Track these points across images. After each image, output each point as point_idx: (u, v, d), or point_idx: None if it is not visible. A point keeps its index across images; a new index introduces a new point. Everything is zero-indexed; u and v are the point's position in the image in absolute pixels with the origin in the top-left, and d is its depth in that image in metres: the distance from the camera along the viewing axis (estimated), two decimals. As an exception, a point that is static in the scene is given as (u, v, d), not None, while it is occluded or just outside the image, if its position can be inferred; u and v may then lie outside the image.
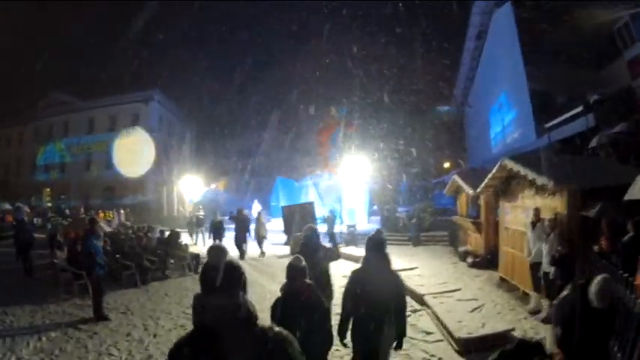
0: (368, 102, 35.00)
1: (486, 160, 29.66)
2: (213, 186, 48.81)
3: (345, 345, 5.43)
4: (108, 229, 19.31)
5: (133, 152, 43.99)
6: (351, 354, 5.51)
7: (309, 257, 5.60)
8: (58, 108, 50.89)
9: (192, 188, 34.40)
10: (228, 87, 51.34)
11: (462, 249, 18.13)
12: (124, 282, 13.49)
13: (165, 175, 41.62)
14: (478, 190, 14.74)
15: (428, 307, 10.22)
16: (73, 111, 49.98)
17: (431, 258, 18.83)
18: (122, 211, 30.97)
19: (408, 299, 10.40)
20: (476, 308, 9.72)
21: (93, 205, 39.81)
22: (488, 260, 15.40)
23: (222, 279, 2.21)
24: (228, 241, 19.47)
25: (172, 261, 15.94)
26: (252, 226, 20.51)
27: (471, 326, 8.30)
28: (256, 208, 35.38)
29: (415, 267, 15.23)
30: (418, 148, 33.45)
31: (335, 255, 7.95)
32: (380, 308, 5.00)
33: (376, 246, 5.37)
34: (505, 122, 29.16)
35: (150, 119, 46.49)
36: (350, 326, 5.24)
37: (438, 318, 9.23)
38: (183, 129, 46.54)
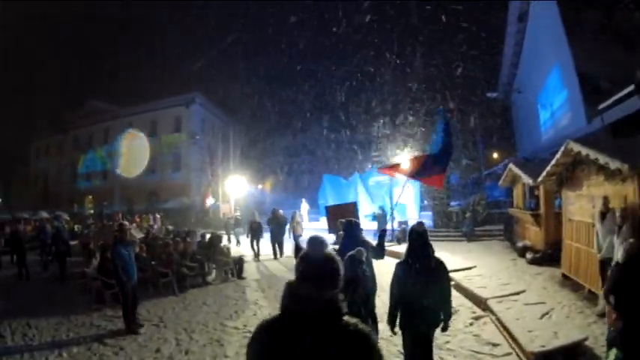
0: (413, 94, 34.84)
1: (537, 148, 28.98)
2: (259, 186, 48.53)
3: (394, 333, 5.67)
4: (139, 236, 18.58)
5: (176, 156, 45.15)
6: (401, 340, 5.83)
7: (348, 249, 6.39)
8: (97, 116, 51.75)
9: (236, 189, 34.12)
10: (272, 85, 51.15)
11: (519, 244, 17.53)
12: (161, 290, 13.07)
13: (209, 176, 41.85)
14: (539, 179, 13.75)
15: (492, 312, 9.52)
16: (112, 118, 50.67)
17: (488, 254, 18.25)
18: (157, 216, 30.62)
19: (470, 304, 10.37)
20: (545, 314, 8.93)
21: (136, 210, 40.03)
22: (549, 255, 14.95)
23: (318, 270, 2.31)
24: (266, 242, 20.04)
25: (214, 266, 15.44)
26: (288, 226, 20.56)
27: (544, 336, 7.52)
28: (304, 207, 35.48)
29: (473, 266, 14.58)
30: (465, 138, 33.12)
31: (379, 252, 7.78)
32: (427, 297, 5.21)
33: (419, 236, 5.55)
34: (554, 108, 28.14)
35: (192, 122, 46.95)
36: (399, 314, 5.52)
37: (504, 326, 8.53)
38: (227, 130, 46.60)
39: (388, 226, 22.75)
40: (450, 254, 16.41)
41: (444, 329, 5.65)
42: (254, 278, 15.27)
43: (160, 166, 46.43)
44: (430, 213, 29.41)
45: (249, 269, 16.72)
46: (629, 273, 5.36)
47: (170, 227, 27.03)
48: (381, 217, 22.34)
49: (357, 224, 8.10)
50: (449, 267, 5.76)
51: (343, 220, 8.68)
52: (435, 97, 33.86)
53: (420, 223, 5.94)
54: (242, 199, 36.91)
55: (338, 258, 2.43)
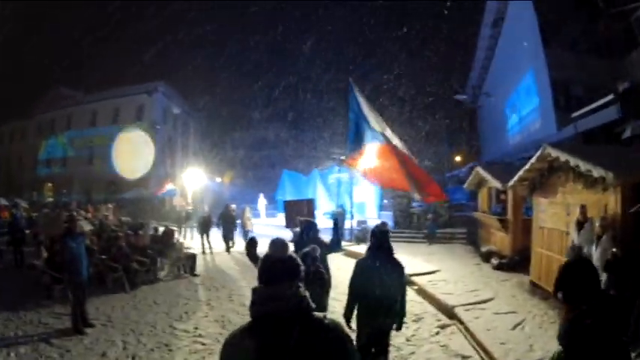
0: (380, 89, 33.91)
1: (503, 153, 28.55)
2: (219, 179, 47.50)
3: (350, 327, 5.47)
4: (89, 228, 17.23)
5: (135, 146, 43.22)
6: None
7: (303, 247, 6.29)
8: (61, 102, 50.42)
9: (194, 182, 32.63)
10: (235, 78, 50.36)
11: (484, 248, 16.79)
12: (111, 286, 12.15)
13: (168, 168, 40.55)
14: (510, 183, 13.12)
15: (460, 321, 8.88)
16: (76, 104, 49.34)
17: (451, 258, 17.40)
18: (110, 206, 29.13)
19: (435, 311, 10.21)
20: (517, 324, 8.40)
21: (95, 200, 38.44)
22: (515, 262, 14.27)
23: (284, 271, 2.34)
24: (216, 236, 20.22)
25: (166, 262, 14.62)
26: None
27: (518, 349, 7.03)
28: (262, 201, 35.13)
29: (437, 270, 13.82)
30: (428, 140, 32.27)
31: (335, 244, 7.78)
32: (385, 295, 5.35)
33: (382, 235, 5.69)
34: (523, 114, 27.72)
35: (154, 111, 45.64)
36: (355, 311, 5.63)
37: (474, 337, 7.93)
38: (188, 121, 45.48)
39: (347, 225, 21.75)
40: (411, 257, 15.88)
41: (399, 328, 5.85)
42: (207, 276, 14.64)
43: (120, 157, 43.70)
44: (390, 213, 28.31)
45: (202, 265, 16.23)
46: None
47: (124, 219, 25.89)
48: (340, 216, 21.19)
49: (315, 224, 8.15)
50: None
51: (303, 219, 8.70)
52: (402, 93, 32.83)
53: (384, 224, 6.09)
54: (199, 192, 35.62)
55: (296, 256, 2.51)
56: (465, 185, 20.29)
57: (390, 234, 5.93)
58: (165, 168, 41.42)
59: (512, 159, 22.86)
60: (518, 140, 28.07)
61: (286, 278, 2.30)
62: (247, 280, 13.03)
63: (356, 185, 25.07)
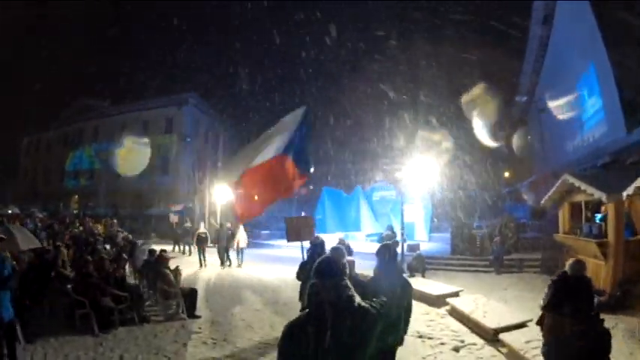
0: (427, 97, 30.66)
1: (563, 163, 24.25)
2: (256, 197, 43.82)
3: None
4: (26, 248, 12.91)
5: (165, 159, 41.78)
6: None
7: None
8: (87, 113, 48.80)
9: (222, 198, 29.82)
10: (272, 89, 47.72)
11: (572, 282, 12.90)
12: (79, 324, 9.03)
13: (197, 183, 37.66)
14: (628, 191, 10.51)
15: None
16: (104, 116, 47.58)
17: (531, 295, 12.88)
18: (115, 221, 28.27)
19: None
20: None
21: (121, 215, 37.19)
22: (617, 299, 10.72)
23: (338, 268, 2.79)
24: (212, 253, 20.59)
25: (157, 297, 11.10)
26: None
27: None
28: None
29: (528, 320, 9.32)
30: (476, 153, 28.93)
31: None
32: (393, 312, 4.94)
33: (392, 255, 5.74)
34: (584, 118, 23.41)
35: (184, 124, 43.28)
36: None
37: None
38: (218, 134, 43.16)
39: (398, 250, 18.30)
40: (481, 293, 12.54)
41: (399, 343, 5.53)
42: (209, 318, 10.77)
43: (148, 169, 42.07)
44: (443, 234, 24.72)
45: (204, 298, 12.86)
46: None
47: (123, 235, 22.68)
48: (389, 239, 17.44)
49: (323, 243, 8.52)
50: (497, 321, 7.04)
51: (318, 240, 8.91)
52: (449, 104, 29.50)
53: (395, 242, 7.10)
54: (229, 209, 32.26)
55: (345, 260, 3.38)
56: (543, 201, 15.92)
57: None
58: (194, 183, 38.69)
59: (574, 170, 18.67)
60: (580, 149, 23.78)
61: (339, 274, 2.72)
62: (260, 334, 9.43)
63: (405, 203, 21.46)
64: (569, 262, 5.33)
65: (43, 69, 57.13)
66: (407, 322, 5.69)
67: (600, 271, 11.71)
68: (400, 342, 5.57)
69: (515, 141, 33.17)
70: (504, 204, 26.06)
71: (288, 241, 18.54)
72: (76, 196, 47.51)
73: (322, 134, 46.57)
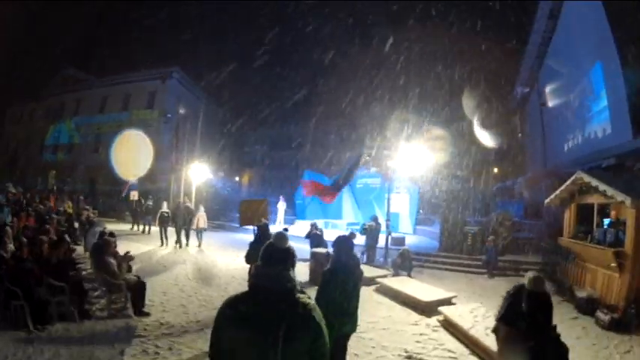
0: (420, 84, 28.93)
1: (560, 163, 22.64)
2: (237, 178, 45.31)
3: None
4: None
5: (141, 136, 39.55)
6: None
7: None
8: (71, 85, 46.61)
9: (198, 178, 28.90)
10: (258, 69, 46.12)
11: (581, 294, 11.11)
12: (13, 318, 7.46)
13: (173, 161, 35.91)
14: None
15: None
16: (87, 88, 45.43)
17: None
18: (82, 197, 28.67)
19: None
20: None
21: (99, 191, 37.96)
22: (631, 317, 9.28)
23: (281, 257, 2.85)
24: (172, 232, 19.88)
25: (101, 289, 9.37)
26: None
27: None
28: (281, 206, 29.68)
29: None
30: (466, 147, 27.21)
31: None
32: (351, 303, 5.50)
33: (349, 247, 5.81)
34: (585, 117, 21.58)
35: (167, 99, 41.27)
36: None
37: None
38: (199, 112, 41.73)
39: (381, 242, 16.88)
40: (481, 304, 10.30)
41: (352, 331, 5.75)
42: (158, 316, 8.93)
43: (127, 145, 39.82)
44: (429, 228, 22.83)
45: (159, 285, 11.56)
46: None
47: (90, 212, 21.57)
48: (372, 231, 16.09)
49: (266, 225, 9.45)
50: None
51: (263, 222, 9.82)
52: (443, 89, 27.77)
53: (352, 234, 7.41)
54: (204, 190, 32.53)
55: (293, 248, 3.06)
56: (548, 201, 14.28)
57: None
58: (171, 160, 36.40)
59: (571, 170, 17.07)
60: (581, 149, 21.86)
61: (281, 263, 2.78)
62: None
63: (391, 192, 19.56)
64: (529, 275, 4.51)
65: (27, 40, 54.99)
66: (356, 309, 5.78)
67: (613, 284, 10.29)
68: (355, 330, 5.82)
69: (507, 135, 31.49)
70: (496, 200, 24.05)
71: (240, 225, 19.67)
72: (54, 171, 45.65)
73: (308, 114, 45.21)
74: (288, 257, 2.87)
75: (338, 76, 40.45)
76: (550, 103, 25.42)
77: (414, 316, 10.02)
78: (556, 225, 15.04)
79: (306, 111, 46.53)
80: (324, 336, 2.66)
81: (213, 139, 42.91)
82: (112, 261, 9.23)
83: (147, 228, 24.20)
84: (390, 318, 9.74)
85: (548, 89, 26.15)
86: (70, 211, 22.08)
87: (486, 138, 27.62)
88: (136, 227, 25.12)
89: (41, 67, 51.08)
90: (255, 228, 9.98)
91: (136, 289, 9.03)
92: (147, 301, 9.39)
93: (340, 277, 5.42)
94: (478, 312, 9.07)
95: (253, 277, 2.78)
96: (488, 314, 8.86)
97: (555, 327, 4.54)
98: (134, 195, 29.25)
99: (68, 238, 11.24)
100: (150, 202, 25.77)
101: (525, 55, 29.31)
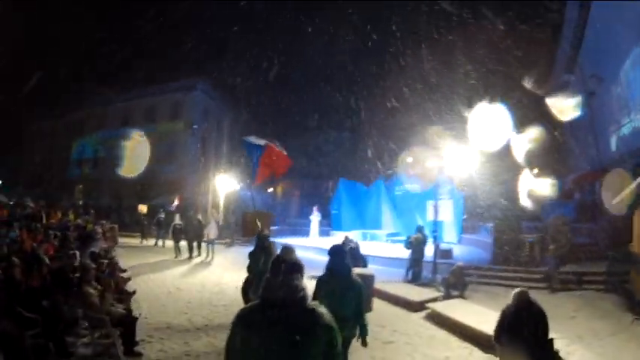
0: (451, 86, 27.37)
1: (604, 160, 21.15)
2: (270, 190, 43.36)
3: None
4: None
5: (170, 147, 39.65)
6: None
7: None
8: (92, 100, 46.22)
9: (224, 188, 28.26)
10: (291, 78, 45.38)
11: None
12: None
13: (201, 172, 35.49)
14: None
15: None
16: (109, 103, 45.12)
17: (610, 329, 9.65)
18: (92, 211, 28.23)
19: None
20: None
21: (124, 206, 36.90)
22: None
23: (289, 268, 3.05)
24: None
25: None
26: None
27: None
28: (315, 218, 28.00)
29: None
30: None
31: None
32: (342, 309, 5.14)
33: (342, 255, 5.82)
34: (631, 107, 19.00)
35: (192, 110, 40.84)
36: None
37: None
38: (225, 121, 40.76)
39: (429, 253, 15.30)
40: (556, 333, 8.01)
41: (364, 343, 5.70)
42: (153, 349, 7.67)
43: (152, 158, 39.58)
44: (475, 236, 21.20)
45: (164, 313, 10.19)
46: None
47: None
48: (419, 244, 14.47)
49: (265, 236, 9.41)
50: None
51: (264, 233, 9.57)
52: (477, 89, 26.13)
53: (345, 241, 7.56)
54: (232, 202, 31.36)
55: (300, 259, 3.40)
56: (616, 200, 12.70)
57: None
58: (199, 172, 36.58)
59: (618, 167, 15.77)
60: (630, 141, 19.20)
61: (290, 274, 2.94)
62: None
63: (429, 200, 18.02)
64: (514, 292, 5.30)
65: (51, 55, 54.89)
66: (361, 318, 5.58)
67: None
68: (363, 340, 5.64)
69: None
70: (546, 202, 22.16)
71: (243, 235, 20.47)
72: (80, 186, 45.07)
73: (344, 122, 44.08)
74: (295, 268, 3.09)
75: (374, 81, 39.30)
76: (597, 91, 23.11)
77: (479, 354, 8.11)
78: (612, 229, 14.13)
79: (342, 119, 45.75)
80: (336, 337, 2.81)
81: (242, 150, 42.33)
82: (92, 291, 7.67)
83: (161, 242, 23.95)
84: (449, 361, 8.00)
85: (592, 75, 23.87)
86: (91, 226, 20.63)
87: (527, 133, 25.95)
88: (145, 241, 24.99)
89: (64, 82, 51.04)
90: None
91: (123, 323, 7.43)
92: (145, 336, 8.09)
93: (331, 284, 5.55)
94: (569, 349, 7.54)
95: (264, 288, 2.89)
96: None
97: (552, 341, 5.05)
98: (142, 209, 29.53)
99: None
100: (161, 215, 25.46)
101: (562, 38, 27.67)
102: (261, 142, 17.76)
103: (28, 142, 52.56)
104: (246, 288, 9.33)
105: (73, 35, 55.91)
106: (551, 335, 5.34)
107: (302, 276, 3.08)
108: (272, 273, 3.24)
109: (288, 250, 4.00)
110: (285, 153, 18.15)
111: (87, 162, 45.83)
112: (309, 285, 5.73)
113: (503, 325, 5.42)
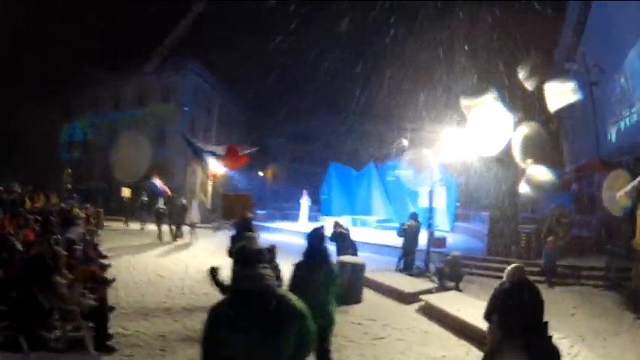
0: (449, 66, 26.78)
1: (603, 151, 20.67)
2: (260, 173, 44.06)
3: None
4: None
5: (161, 130, 39.92)
6: None
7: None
8: (85, 81, 45.71)
9: (212, 172, 28.04)
10: (281, 58, 44.79)
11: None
12: None
13: (189, 155, 35.22)
14: None
15: None
16: (100, 84, 44.85)
17: (613, 329, 9.18)
18: (76, 195, 28.84)
19: None
20: None
21: (115, 189, 34.76)
22: None
23: (255, 258, 2.97)
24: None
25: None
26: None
27: None
28: (304, 202, 27.83)
29: None
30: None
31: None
32: (316, 296, 5.09)
33: (318, 239, 5.89)
34: (633, 99, 18.37)
35: (183, 92, 40.35)
36: None
37: None
38: (215, 102, 41.64)
39: (423, 241, 14.65)
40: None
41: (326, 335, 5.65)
42: (126, 352, 6.90)
43: (144, 141, 39.26)
44: (468, 224, 20.68)
45: (143, 305, 9.68)
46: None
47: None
48: (412, 231, 13.92)
49: (250, 221, 9.34)
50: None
51: (246, 216, 9.74)
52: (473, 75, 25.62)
53: (322, 227, 6.31)
54: (221, 185, 31.50)
55: (264, 248, 3.38)
56: (622, 192, 11.75)
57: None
58: (188, 155, 35.78)
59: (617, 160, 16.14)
60: (633, 133, 18.52)
61: (256, 263, 2.89)
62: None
63: (422, 186, 17.47)
64: (508, 268, 5.19)
65: (43, 37, 54.20)
66: (332, 307, 5.63)
67: None
68: (332, 323, 5.61)
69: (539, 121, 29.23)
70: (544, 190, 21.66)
71: (222, 218, 20.51)
72: (69, 170, 42.78)
73: (334, 106, 44.06)
74: (261, 257, 3.01)
75: (369, 61, 38.71)
76: (599, 81, 22.53)
77: (476, 353, 7.42)
78: (609, 223, 13.86)
79: (333, 102, 45.31)
80: (307, 321, 2.88)
81: (232, 133, 42.01)
82: (63, 281, 7.05)
83: (144, 225, 24.15)
84: (445, 360, 7.38)
85: (595, 64, 23.26)
86: (77, 210, 19.93)
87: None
88: (132, 225, 25.24)
89: (53, 65, 50.33)
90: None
91: (94, 316, 6.91)
92: (119, 329, 7.59)
93: (306, 270, 5.58)
94: (571, 350, 7.18)
95: (233, 280, 3.05)
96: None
97: (547, 324, 4.93)
98: (125, 192, 29.45)
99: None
100: (144, 199, 25.82)
101: (565, 24, 27.08)
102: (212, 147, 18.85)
103: (18, 125, 50.37)
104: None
105: (65, 16, 55.35)
106: (551, 333, 4.93)
107: (269, 264, 3.03)
108: (236, 264, 3.00)
109: (250, 239, 3.92)
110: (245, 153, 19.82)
111: (77, 145, 45.53)
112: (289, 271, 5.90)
113: (495, 304, 5.36)
